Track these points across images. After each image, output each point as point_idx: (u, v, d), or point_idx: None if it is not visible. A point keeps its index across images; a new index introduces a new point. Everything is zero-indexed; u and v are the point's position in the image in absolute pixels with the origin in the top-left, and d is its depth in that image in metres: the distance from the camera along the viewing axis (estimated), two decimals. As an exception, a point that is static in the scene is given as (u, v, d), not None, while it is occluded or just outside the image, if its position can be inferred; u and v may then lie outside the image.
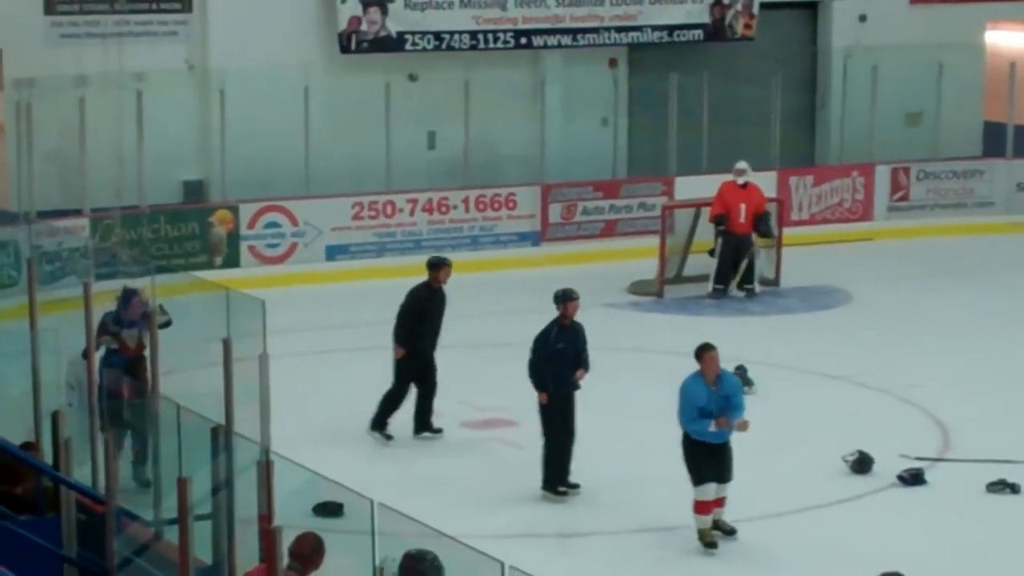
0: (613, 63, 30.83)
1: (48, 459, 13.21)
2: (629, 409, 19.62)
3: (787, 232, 27.22)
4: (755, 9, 31.10)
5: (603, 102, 30.55)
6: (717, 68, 30.46)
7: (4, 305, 21.81)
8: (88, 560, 11.91)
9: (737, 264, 25.73)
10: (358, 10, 28.53)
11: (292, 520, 11.04)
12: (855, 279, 26.78)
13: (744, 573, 15.33)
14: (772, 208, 26.57)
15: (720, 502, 15.82)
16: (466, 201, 28.37)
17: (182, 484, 10.85)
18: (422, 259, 27.29)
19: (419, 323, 19.02)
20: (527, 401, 19.09)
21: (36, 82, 26.29)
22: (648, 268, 26.44)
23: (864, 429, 18.44)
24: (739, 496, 16.78)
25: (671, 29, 30.59)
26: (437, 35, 29.05)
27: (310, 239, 27.42)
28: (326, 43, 28.66)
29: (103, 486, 12.10)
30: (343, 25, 28.55)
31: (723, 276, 25.76)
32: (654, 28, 30.47)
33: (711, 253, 25.88)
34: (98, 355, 15.86)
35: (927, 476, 17.47)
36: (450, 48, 29.20)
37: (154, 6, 27.91)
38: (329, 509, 13.21)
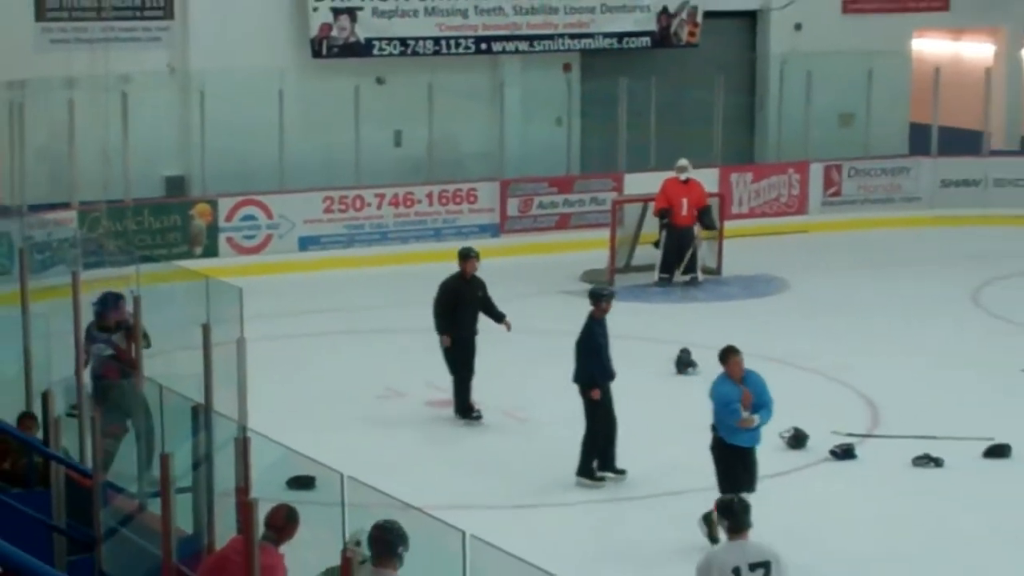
0: (567, 68, 30.82)
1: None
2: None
3: (728, 225, 27.24)
4: (699, 18, 31.13)
5: (558, 104, 30.54)
6: (663, 73, 30.46)
7: (-3, 292, 21.73)
8: (76, 530, 11.86)
9: (681, 254, 25.77)
10: (329, 17, 28.48)
11: (267, 493, 10.99)
12: (791, 268, 26.83)
13: (690, 538, 15.34)
14: (714, 202, 26.61)
15: None
16: (430, 196, 28.32)
17: (165, 459, 10.81)
18: (389, 250, 27.66)
19: (455, 311, 18.77)
20: (488, 382, 19.14)
21: (27, 84, 26.18)
22: (599, 258, 26.45)
23: (799, 408, 18.42)
24: (684, 468, 16.82)
25: (621, 36, 30.61)
26: (403, 41, 29.01)
27: (284, 231, 27.35)
28: (299, 48, 28.59)
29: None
30: (315, 31, 28.50)
31: (668, 266, 25.81)
32: (605, 35, 30.48)
33: (656, 244, 25.95)
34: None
35: (857, 451, 17.51)
36: (415, 53, 29.17)
37: (138, 13, 27.81)
38: (302, 482, 13.14)
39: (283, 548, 10.47)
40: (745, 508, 10.94)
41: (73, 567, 11.35)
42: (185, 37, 27.93)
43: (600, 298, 17.17)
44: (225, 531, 10.97)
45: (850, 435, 17.89)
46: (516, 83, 30.31)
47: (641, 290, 25.63)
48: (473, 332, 18.84)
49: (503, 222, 28.68)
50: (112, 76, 26.48)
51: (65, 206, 25.77)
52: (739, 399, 14.86)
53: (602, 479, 16.78)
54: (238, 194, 27.18)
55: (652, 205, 26.14)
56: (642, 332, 22.23)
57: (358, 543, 10.23)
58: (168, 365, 14.23)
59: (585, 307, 22.84)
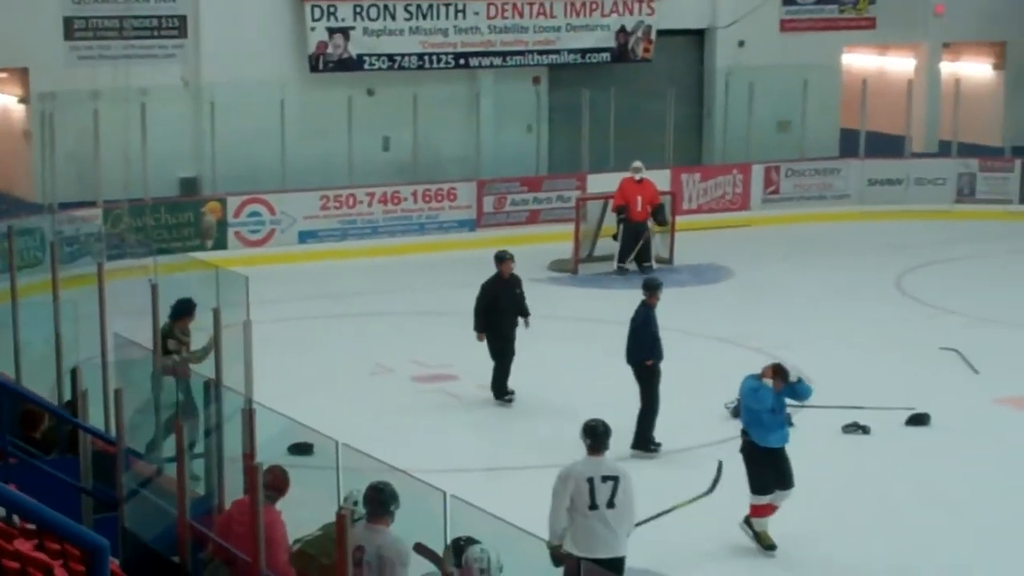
0: (536, 80, 30.83)
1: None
2: (552, 364, 19.65)
3: (679, 219, 27.28)
4: (653, 36, 31.13)
5: (528, 112, 30.55)
6: (622, 84, 30.46)
7: (31, 281, 21.58)
8: (101, 492, 11.87)
9: (635, 246, 25.82)
10: (325, 36, 28.45)
11: (271, 458, 10.99)
12: (735, 258, 26.88)
13: (647, 497, 15.35)
14: (666, 200, 26.63)
15: (772, 510, 14.05)
16: (415, 194, 28.29)
17: (179, 428, 10.82)
18: (378, 242, 27.66)
19: (494, 310, 18.30)
20: (467, 359, 19.16)
21: (57, 96, 26.16)
22: (565, 250, 26.48)
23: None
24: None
25: (583, 52, 30.61)
26: (390, 57, 28.98)
27: (286, 226, 27.30)
28: (298, 63, 28.54)
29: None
30: (312, 48, 28.45)
31: (625, 256, 25.85)
32: (570, 51, 30.48)
33: (615, 237, 25.99)
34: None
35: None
36: (401, 67, 29.14)
37: (155, 32, 27.73)
38: (301, 449, 13.13)
39: (281, 506, 10.49)
40: (606, 432, 11.91)
41: (99, 524, 11.34)
42: (197, 54, 27.87)
43: (656, 288, 16.95)
44: (233, 492, 10.98)
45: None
46: (490, 94, 30.30)
47: (602, 278, 25.66)
48: (512, 327, 18.37)
49: (479, 218, 28.67)
50: (132, 89, 26.48)
51: (91, 204, 25.71)
52: (773, 403, 13.91)
53: (656, 448, 16.64)
54: (245, 193, 27.13)
55: (611, 202, 26.19)
56: (602, 315, 22.26)
57: (356, 503, 10.26)
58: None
59: (553, 293, 22.96)
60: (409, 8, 29.00)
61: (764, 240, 28.88)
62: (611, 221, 26.18)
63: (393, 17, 28.89)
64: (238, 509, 10.54)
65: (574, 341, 19.55)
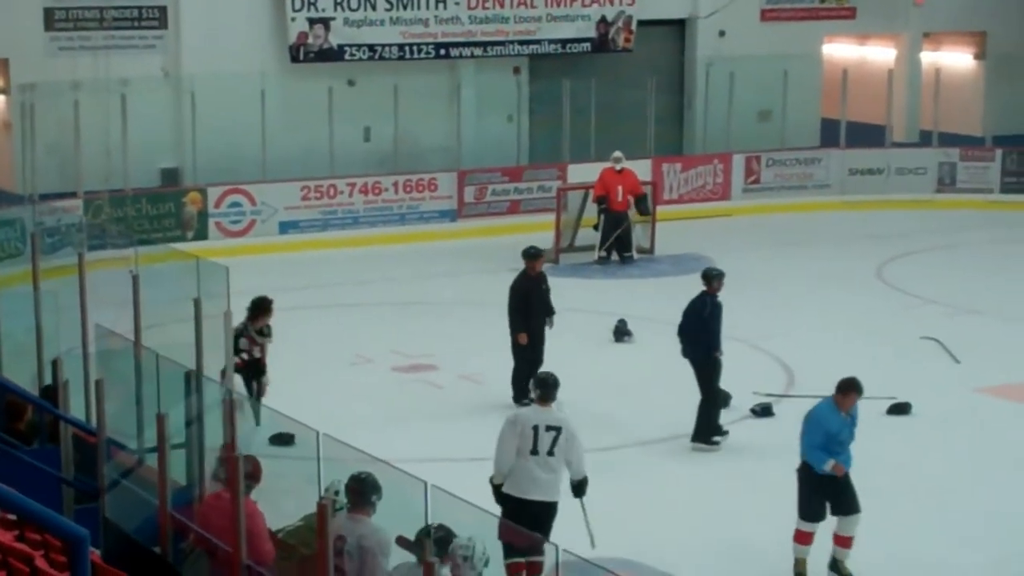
0: (517, 70, 30.82)
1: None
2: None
3: (660, 209, 27.33)
4: (633, 26, 31.15)
5: (508, 102, 30.54)
6: (602, 75, 30.50)
7: (12, 271, 21.64)
8: (82, 482, 11.87)
9: (618, 237, 25.85)
10: (305, 26, 28.42)
11: (252, 449, 11.02)
12: (716, 248, 26.88)
13: (629, 486, 15.39)
14: (648, 190, 26.69)
15: (847, 542, 13.21)
16: (396, 185, 28.29)
17: (160, 419, 10.82)
18: (360, 232, 27.66)
19: (526, 308, 17.85)
20: (447, 349, 19.17)
21: (37, 87, 26.09)
22: (546, 239, 26.45)
23: (724, 371, 18.49)
24: (624, 424, 16.89)
25: (564, 42, 30.62)
26: (371, 47, 28.97)
27: (266, 216, 27.28)
28: (279, 54, 28.51)
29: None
30: (293, 39, 28.42)
31: (606, 246, 25.90)
32: (550, 41, 30.49)
33: (595, 227, 26.03)
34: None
35: (775, 409, 17.61)
36: (382, 58, 29.12)
37: (136, 24, 27.69)
38: (282, 439, 13.14)
39: (264, 496, 10.50)
40: (555, 385, 12.74)
41: (80, 515, 11.35)
42: (178, 45, 27.82)
43: (719, 276, 16.84)
44: (215, 482, 10.98)
45: (769, 395, 17.98)
46: (471, 84, 30.29)
47: (583, 267, 25.69)
48: (543, 324, 17.98)
49: (460, 208, 28.67)
50: (113, 79, 26.44)
51: (72, 195, 25.67)
52: (838, 429, 13.09)
53: (718, 443, 16.59)
54: (225, 184, 27.10)
55: (592, 192, 26.22)
56: (583, 305, 22.29)
57: (336, 492, 10.27)
58: (163, 336, 14.20)
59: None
60: (390, -2, 29.04)
61: (745, 230, 28.92)
62: (592, 211, 26.22)
63: (374, 7, 28.87)
64: (214, 500, 10.56)
65: (557, 330, 19.48)
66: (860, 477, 14.87)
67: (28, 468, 11.67)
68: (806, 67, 32.77)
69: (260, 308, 16.52)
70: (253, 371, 16.47)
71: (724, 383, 17.96)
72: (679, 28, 32.93)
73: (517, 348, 17.89)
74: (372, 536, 9.84)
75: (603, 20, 30.84)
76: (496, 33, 29.98)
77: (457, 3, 29.56)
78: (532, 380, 13.20)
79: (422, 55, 29.49)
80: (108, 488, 11.55)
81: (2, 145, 27.63)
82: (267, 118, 27.43)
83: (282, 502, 11.02)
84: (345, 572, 9.82)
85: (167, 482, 10.78)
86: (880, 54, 35.86)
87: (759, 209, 30.45)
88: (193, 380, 11.46)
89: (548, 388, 12.73)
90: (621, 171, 25.92)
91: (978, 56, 35.95)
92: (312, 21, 28.45)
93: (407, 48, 29.29)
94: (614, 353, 20.33)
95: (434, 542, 9.17)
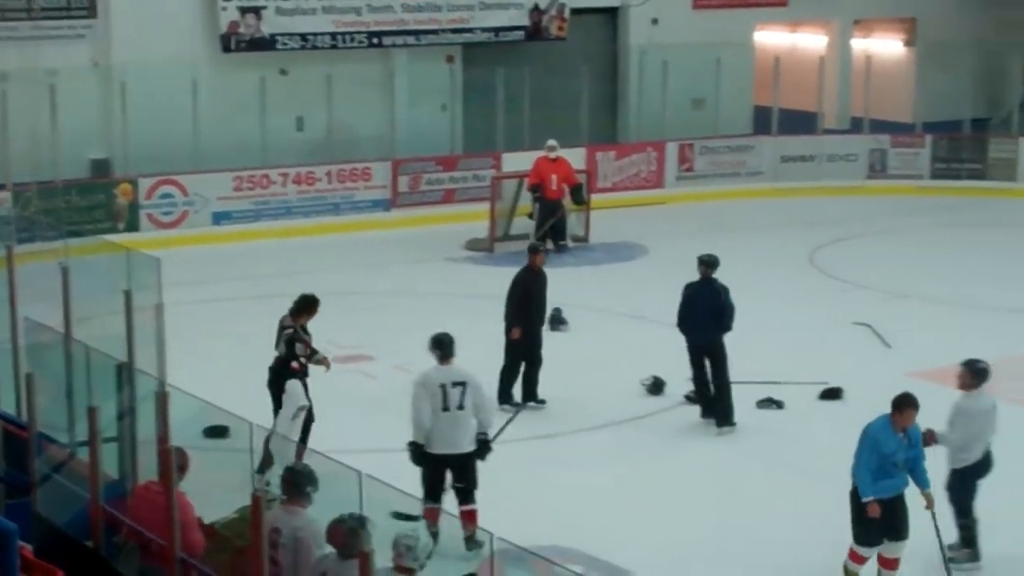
0: (450, 59, 30.76)
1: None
2: (470, 343, 19.60)
3: (594, 197, 27.39)
4: (566, 14, 31.15)
5: (442, 91, 30.47)
6: (536, 63, 30.49)
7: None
8: (13, 477, 11.78)
9: (553, 225, 25.89)
10: (237, 15, 28.24)
11: (185, 442, 10.95)
12: (650, 236, 26.99)
13: (564, 474, 15.42)
14: (582, 179, 26.73)
15: (893, 564, 12.75)
16: (329, 174, 28.19)
17: (92, 412, 10.76)
18: (293, 223, 27.55)
19: (526, 303, 17.57)
20: (382, 340, 19.12)
21: (-37, 79, 25.86)
22: (481, 229, 26.50)
23: (658, 358, 18.60)
24: (560, 412, 16.91)
25: (497, 31, 30.59)
26: (303, 36, 28.83)
27: (199, 207, 27.12)
28: (210, 43, 28.32)
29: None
30: (224, 28, 28.25)
31: (541, 234, 25.91)
32: (483, 30, 30.45)
33: (530, 216, 26.05)
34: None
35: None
36: (314, 47, 28.99)
37: (64, 13, 27.42)
38: (216, 432, 13.08)
39: (198, 489, 10.45)
40: (451, 342, 13.56)
41: (11, 509, 11.26)
42: (107, 34, 27.59)
43: (716, 263, 17.11)
44: (147, 475, 10.93)
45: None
46: (405, 73, 30.22)
47: (518, 256, 25.64)
48: (540, 323, 17.80)
49: (395, 197, 28.61)
50: (41, 70, 26.20)
51: (0, 187, 25.44)
52: (893, 450, 12.43)
53: (733, 426, 16.69)
54: (157, 174, 26.90)
55: (526, 181, 26.23)
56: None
57: (268, 483, 10.24)
58: (94, 328, 14.10)
59: (470, 272, 22.94)
60: (322, -13, 28.93)
61: (679, 217, 29.01)
62: (527, 200, 26.24)
63: (306, -4, 28.79)
64: (143, 492, 10.51)
65: (492, 319, 19.49)
66: (793, 461, 14.97)
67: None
68: (738, 55, 32.89)
69: (310, 305, 15.98)
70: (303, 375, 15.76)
71: (659, 369, 18.06)
72: (612, 16, 32.97)
73: (510, 345, 17.57)
74: (307, 528, 9.81)
75: (536, 8, 30.82)
76: (429, 22, 29.91)
77: (389, -8, 29.53)
78: (429, 341, 13.80)
79: (355, 44, 29.38)
80: (40, 482, 11.48)
81: (-70, 137, 27.37)
82: (199, 108, 27.26)
83: (217, 494, 10.97)
84: (280, 564, 9.79)
85: (99, 476, 10.72)
86: (811, 41, 36.06)
87: (693, 197, 30.55)
88: (125, 373, 11.40)
89: (446, 346, 13.57)
90: (555, 159, 25.95)
91: (908, 43, 36.21)
92: (243, 10, 28.28)
93: (340, 37, 29.17)
94: (549, 341, 20.27)
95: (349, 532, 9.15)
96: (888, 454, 12.33)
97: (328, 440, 14.26)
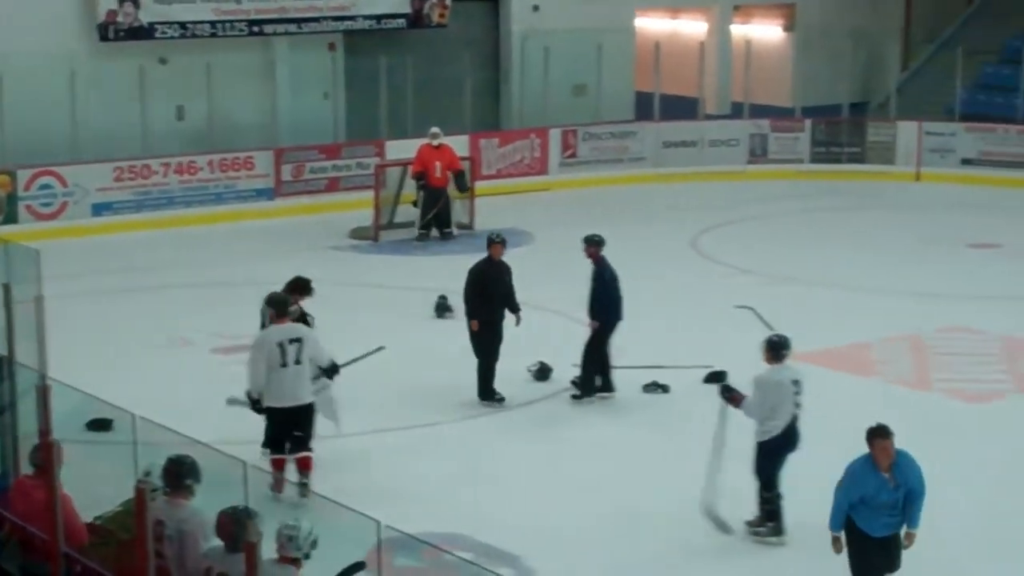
0: (332, 47, 30.64)
1: None
2: (358, 332, 19.56)
3: (479, 185, 27.41)
4: (448, 1, 31.12)
5: (324, 79, 30.35)
6: (418, 51, 30.46)
7: None
8: None
9: (437, 213, 25.88)
10: (114, 4, 27.93)
11: (68, 435, 10.81)
12: (535, 222, 27.06)
13: (453, 460, 15.41)
14: (466, 166, 26.73)
15: None
16: (211, 163, 27.96)
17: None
18: (174, 213, 27.28)
19: (483, 295, 17.24)
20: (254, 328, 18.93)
21: None
22: (365, 217, 26.42)
23: (544, 345, 18.63)
24: (448, 399, 16.88)
25: (379, 18, 30.50)
26: (182, 24, 28.57)
27: (78, 198, 26.77)
28: (88, 33, 27.98)
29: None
30: (102, 17, 27.91)
31: (425, 222, 25.91)
32: (365, 17, 30.34)
33: (415, 204, 26.02)
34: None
35: (595, 381, 17.71)
36: (194, 36, 28.74)
37: (-62, 3, 27.03)
38: (99, 424, 12.94)
39: (81, 482, 10.33)
40: (286, 301, 14.39)
41: None
42: (-18, 24, 27.22)
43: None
44: (29, 470, 10.77)
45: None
46: (286, 61, 30.07)
47: (403, 244, 25.67)
48: (501, 316, 17.38)
49: (278, 186, 28.44)
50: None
51: None
52: (874, 492, 11.32)
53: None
54: (35, 165, 26.52)
55: (410, 169, 26.20)
56: (404, 281, 22.28)
57: (147, 474, 10.12)
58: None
59: (354, 260, 22.80)
60: (201, -25, 28.67)
61: (563, 204, 29.11)
62: (411, 188, 26.20)
63: (185, -16, 28.52)
64: (18, 486, 10.37)
65: (378, 308, 19.52)
66: (678, 443, 15.04)
67: None
68: (619, 41, 33.04)
69: (303, 287, 15.78)
70: None
71: (546, 356, 18.10)
72: (493, 3, 33.01)
73: (475, 340, 17.25)
74: (192, 519, 9.72)
75: (417, -5, 30.81)
76: (309, 9, 29.76)
77: (270, -21, 29.34)
78: (265, 300, 14.70)
79: (235, 32, 29.16)
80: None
81: None
82: (77, 98, 26.95)
83: (101, 488, 10.85)
84: (166, 557, 9.70)
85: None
86: (691, 27, 36.30)
87: (576, 183, 30.68)
88: (5, 366, 11.24)
89: (280, 306, 14.34)
90: (439, 147, 25.92)
91: (787, 28, 36.57)
92: (121, -1, 28.02)
93: (219, 25, 28.93)
94: (436, 329, 20.32)
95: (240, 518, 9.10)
96: (869, 496, 11.32)
97: (215, 431, 14.15)
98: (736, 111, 33.51)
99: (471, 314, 17.27)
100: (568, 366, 17.71)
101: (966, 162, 31.26)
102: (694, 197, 29.49)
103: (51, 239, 23.78)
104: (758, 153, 31.95)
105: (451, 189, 26.12)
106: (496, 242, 17.68)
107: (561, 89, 31.79)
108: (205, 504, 9.82)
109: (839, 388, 17.88)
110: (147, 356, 19.11)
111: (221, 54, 28.78)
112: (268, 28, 29.52)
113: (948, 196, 29.91)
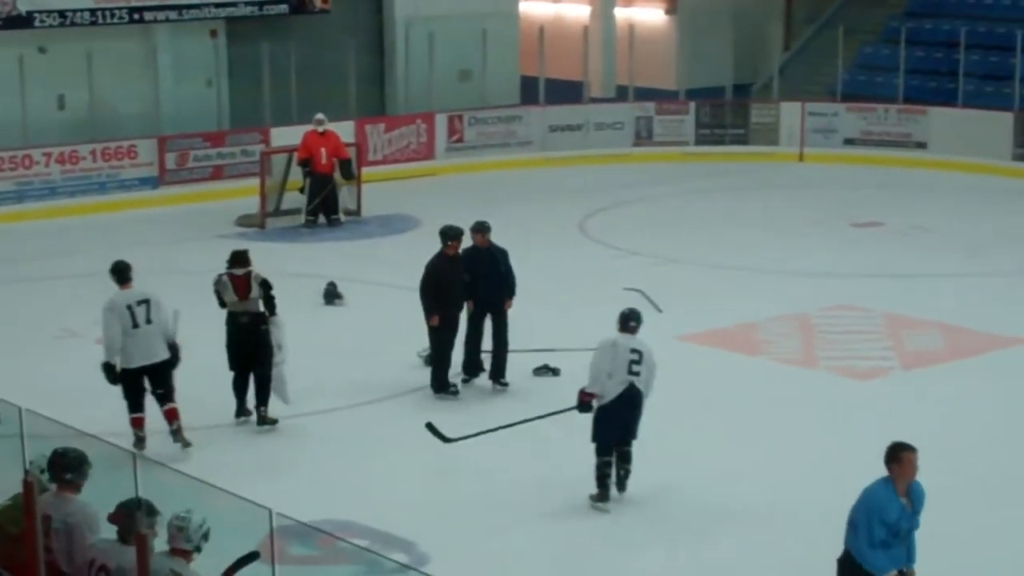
0: (214, 34, 30.39)
1: None
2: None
3: (365, 171, 27.33)
4: (331, -13, 31.05)
5: (207, 66, 30.10)
6: (301, 37, 30.28)
7: None
8: None
9: (324, 199, 25.79)
10: (-9, -8, 27.57)
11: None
12: (423, 208, 27.00)
13: (345, 448, 15.36)
14: (352, 152, 26.64)
15: None
16: (94, 153, 27.63)
17: None
18: (57, 203, 26.93)
19: (439, 290, 16.94)
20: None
21: None
22: (251, 204, 26.26)
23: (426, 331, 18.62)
24: (338, 386, 16.82)
25: (261, 4, 30.25)
26: (61, 13, 28.19)
27: (-42, 190, 26.45)
28: (-36, 21, 27.61)
29: None
30: (-21, 6, 27.55)
31: (312, 209, 25.82)
32: (247, 3, 30.09)
33: (301, 190, 25.93)
34: None
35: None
36: (73, 24, 28.36)
37: None
38: (-15, 418, 12.75)
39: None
40: (127, 267, 15.09)
41: None
42: None
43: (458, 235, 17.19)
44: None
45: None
46: (168, 49, 29.79)
47: (290, 231, 25.54)
48: (459, 309, 17.16)
49: (162, 175, 28.18)
50: None
51: None
52: (896, 519, 10.10)
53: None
54: (-88, 157, 26.18)
55: (296, 155, 26.08)
56: (292, 269, 22.15)
57: (41, 470, 10.01)
58: None
59: (240, 248, 22.50)
60: (80, -38, 28.30)
61: (450, 189, 29.10)
62: (297, 174, 26.08)
63: (63, -28, 28.15)
64: None
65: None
66: (569, 426, 15.10)
67: None
68: (503, 25, 33.06)
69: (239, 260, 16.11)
70: None
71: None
72: (377, -11, 32.91)
73: (433, 334, 17.03)
74: (79, 513, 9.61)
75: (300, -19, 30.61)
76: (191, -4, 29.53)
77: (150, -34, 29.01)
78: (110, 269, 15.20)
79: (115, 20, 28.81)
80: None
81: None
82: (-46, 88, 26.57)
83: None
84: (54, 550, 9.59)
85: None
86: (575, 11, 36.41)
87: (463, 168, 30.68)
88: None
89: (122, 272, 15.07)
90: (324, 133, 25.82)
91: (669, 11, 36.80)
92: (-2, -13, 27.58)
93: (99, 13, 28.57)
94: (325, 316, 20.26)
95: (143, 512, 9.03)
96: (892, 523, 10.09)
97: (103, 422, 14.04)
98: (621, 94, 33.66)
99: (431, 311, 16.98)
100: (458, 352, 17.70)
101: (848, 142, 31.62)
102: (581, 180, 29.59)
103: (-70, 232, 23.45)
104: (643, 136, 32.12)
105: (337, 176, 26.03)
106: (455, 238, 17.34)
107: (446, 74, 31.77)
108: (94, 496, 9.72)
109: (726, 368, 18.06)
110: (32, 348, 18.88)
111: (102, 42, 28.45)
112: (149, 15, 29.20)
113: (831, 176, 30.27)
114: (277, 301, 15.91)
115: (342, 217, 26.03)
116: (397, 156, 30.55)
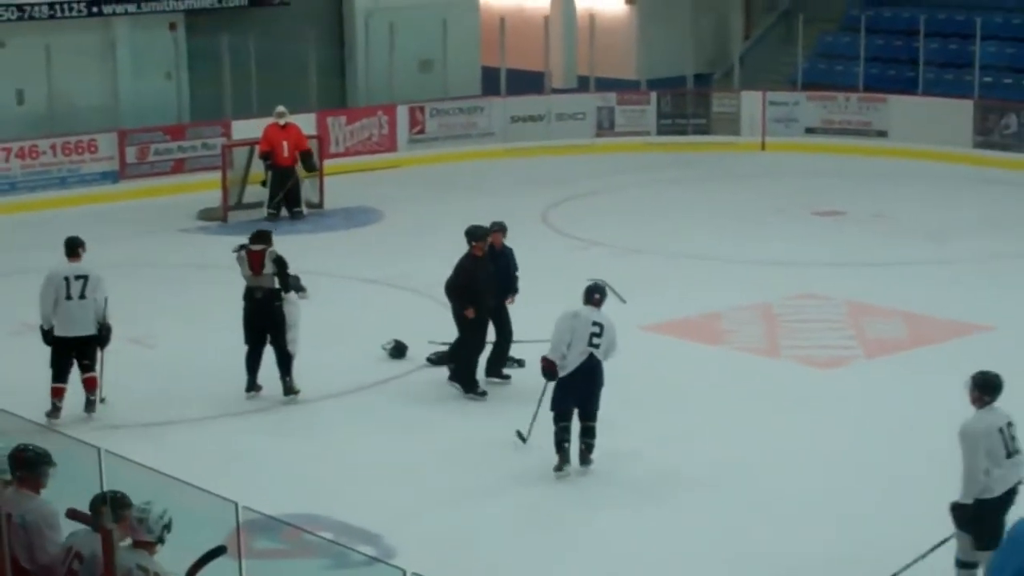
0: (173, 27, 30.29)
1: None
2: (208, 314, 19.41)
3: (327, 163, 27.29)
4: (291, -22, 30.97)
5: (166, 60, 30.02)
6: (261, 29, 30.18)
7: None
8: None
9: (286, 192, 25.74)
10: (-52, -13, 27.41)
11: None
12: (385, 200, 27.00)
13: (312, 441, 15.35)
14: (314, 145, 26.59)
15: None
16: (53, 147, 27.50)
17: None
18: (17, 199, 26.82)
19: (472, 289, 16.75)
20: (116, 314, 18.70)
21: None
22: (213, 198, 26.18)
23: (399, 322, 18.63)
24: (303, 379, 16.78)
25: (221, -4, 30.25)
26: (19, 7, 28.08)
27: (-83, 186, 26.29)
28: (-79, 16, 27.45)
29: None
30: (-65, 0, 27.39)
31: (275, 203, 25.77)
32: (207, -4, 30.08)
33: (263, 184, 25.87)
34: None
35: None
36: (31, 18, 28.25)
37: None
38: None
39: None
40: (78, 242, 15.77)
41: None
42: None
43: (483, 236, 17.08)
44: None
45: (444, 344, 18.05)
46: (127, 42, 29.68)
47: (253, 224, 25.35)
48: (489, 312, 16.97)
49: (123, 169, 28.06)
50: None
51: None
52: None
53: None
54: None
55: (257, 148, 26.02)
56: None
57: (2, 470, 9.94)
58: None
59: (203, 242, 22.56)
60: (37, -44, 28.16)
61: (412, 180, 29.08)
62: (259, 167, 26.02)
63: (20, -35, 28.00)
64: None
65: (227, 288, 19.22)
66: (531, 416, 15.12)
67: None
68: (464, 16, 33.05)
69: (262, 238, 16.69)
70: None
71: (400, 333, 18.07)
72: (338, -21, 32.84)
73: (467, 324, 16.80)
74: (37, 511, 9.52)
75: (259, -27, 30.52)
76: (149, -11, 29.42)
77: (108, -41, 28.90)
78: (64, 242, 15.87)
79: (74, 14, 28.70)
80: None
81: None
82: (-88, 83, 26.41)
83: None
84: (15, 548, 9.53)
85: None
86: (536, 1, 36.39)
87: (425, 159, 30.66)
88: None
89: (71, 247, 15.76)
90: (285, 126, 25.75)
91: (629, 1, 36.79)
92: (-45, -19, 27.43)
93: (58, 7, 28.46)
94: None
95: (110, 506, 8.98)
96: None
97: (66, 417, 13.98)
98: (582, 85, 33.67)
99: (463, 306, 16.77)
100: (423, 343, 17.71)
101: (809, 131, 31.72)
102: (543, 171, 29.60)
103: None
104: (605, 126, 32.14)
105: (299, 168, 25.97)
106: (481, 239, 17.14)
107: (407, 65, 31.73)
108: (58, 493, 9.67)
109: (689, 358, 18.09)
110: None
111: (60, 36, 28.32)
112: (107, 8, 29.09)
113: (793, 165, 30.36)
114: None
115: (304, 210, 25.98)
116: (359, 148, 30.50)
